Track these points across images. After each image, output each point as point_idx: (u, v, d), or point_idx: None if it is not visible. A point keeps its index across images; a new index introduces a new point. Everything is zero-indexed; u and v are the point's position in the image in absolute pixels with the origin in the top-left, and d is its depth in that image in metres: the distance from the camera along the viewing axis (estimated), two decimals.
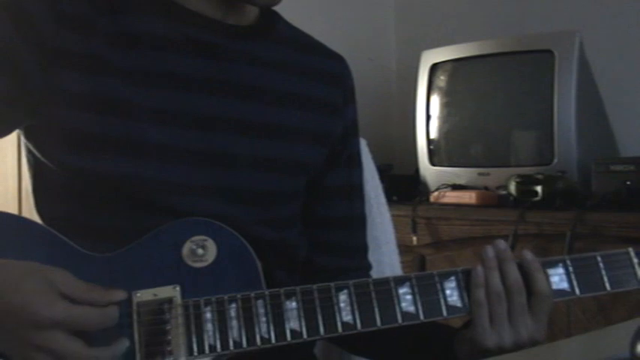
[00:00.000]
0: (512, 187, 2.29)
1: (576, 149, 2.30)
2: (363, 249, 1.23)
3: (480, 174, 2.50)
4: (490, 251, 0.99)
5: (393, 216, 1.49)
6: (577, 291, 1.00)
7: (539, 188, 2.22)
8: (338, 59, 1.21)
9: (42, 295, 0.87)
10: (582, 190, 2.23)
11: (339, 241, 1.19)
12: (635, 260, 1.02)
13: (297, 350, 1.08)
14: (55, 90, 0.99)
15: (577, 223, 2.01)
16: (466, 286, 0.99)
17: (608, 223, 2.01)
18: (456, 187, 2.52)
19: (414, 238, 2.41)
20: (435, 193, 2.54)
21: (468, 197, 2.43)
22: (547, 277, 0.99)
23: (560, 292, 1.00)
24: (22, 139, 1.06)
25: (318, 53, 1.19)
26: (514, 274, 0.98)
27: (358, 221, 1.23)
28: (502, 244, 1.00)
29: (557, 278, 1.00)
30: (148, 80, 1.02)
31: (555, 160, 2.32)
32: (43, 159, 1.03)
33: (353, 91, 1.21)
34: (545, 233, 2.14)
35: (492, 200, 2.41)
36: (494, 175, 2.45)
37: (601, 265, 1.01)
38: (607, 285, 1.01)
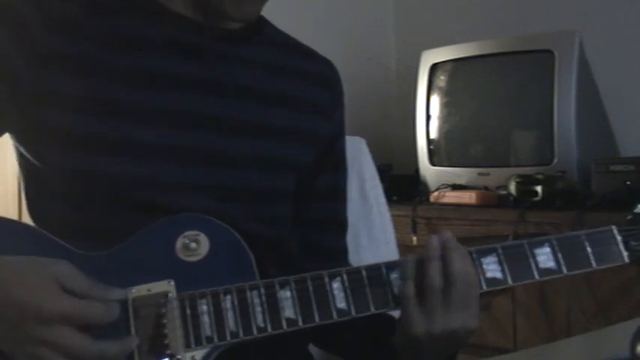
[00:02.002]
0: (512, 187, 2.29)
1: (576, 149, 2.30)
2: (344, 252, 1.24)
3: (480, 174, 2.50)
4: (435, 241, 0.98)
5: (393, 216, 1.49)
6: (564, 269, 1.01)
7: (539, 188, 2.23)
8: (327, 64, 1.21)
9: (46, 290, 0.87)
10: (582, 190, 2.23)
11: (324, 243, 1.19)
12: (619, 237, 1.03)
13: (292, 349, 1.09)
14: (46, 92, 0.99)
15: (577, 223, 2.01)
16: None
17: (608, 224, 2.00)
18: (456, 187, 2.52)
19: (414, 238, 2.41)
20: (435, 193, 2.54)
21: (468, 197, 2.43)
22: (476, 264, 1.00)
23: (548, 271, 1.01)
24: (13, 142, 1.06)
25: (307, 56, 1.20)
26: (457, 263, 0.97)
27: (341, 224, 1.24)
28: (448, 233, 0.99)
29: (544, 257, 1.01)
30: (138, 81, 1.02)
31: (555, 160, 2.32)
32: (34, 161, 1.04)
33: (342, 95, 1.21)
34: (545, 233, 2.13)
35: (492, 200, 2.41)
36: (494, 175, 2.45)
37: (586, 243, 1.02)
38: (593, 262, 1.02)
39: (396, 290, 0.97)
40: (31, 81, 0.99)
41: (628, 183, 2.12)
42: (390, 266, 0.99)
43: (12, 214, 2.40)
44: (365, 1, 3.22)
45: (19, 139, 1.05)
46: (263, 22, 1.16)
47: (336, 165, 1.21)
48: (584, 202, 2.13)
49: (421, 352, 0.99)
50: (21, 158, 1.06)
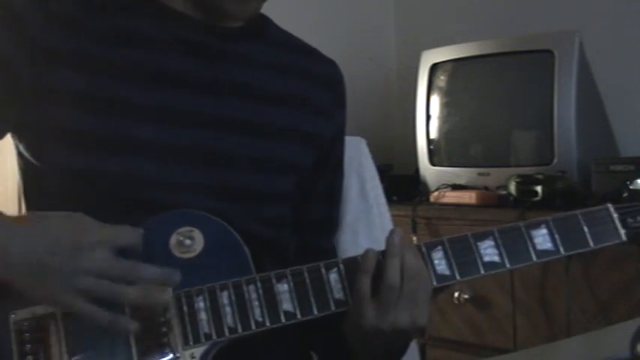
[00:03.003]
0: (512, 187, 2.29)
1: (576, 149, 2.30)
2: (334, 252, 1.24)
3: (479, 174, 2.50)
4: (396, 238, 0.98)
5: (393, 216, 1.48)
6: (561, 250, 1.01)
7: (539, 188, 2.22)
8: (331, 64, 1.20)
9: (82, 223, 0.91)
10: (582, 190, 2.23)
11: (313, 243, 1.19)
12: (615, 215, 1.02)
13: (293, 344, 1.08)
14: (45, 88, 0.99)
15: None
16: (454, 256, 0.99)
17: None
18: (456, 187, 2.52)
19: (414, 238, 2.41)
20: (435, 193, 2.54)
21: (468, 197, 2.43)
22: (431, 262, 0.99)
23: (545, 253, 1.00)
24: (14, 141, 1.06)
25: (310, 56, 1.19)
26: (412, 260, 0.97)
27: (334, 225, 1.24)
28: (400, 231, 0.99)
29: (541, 239, 1.01)
30: (138, 78, 1.02)
31: (555, 160, 2.32)
32: (33, 160, 1.03)
33: (344, 97, 1.21)
34: None
35: (492, 200, 2.41)
36: (494, 175, 2.45)
37: (582, 222, 1.01)
38: (590, 241, 1.01)
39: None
40: (31, 77, 0.99)
41: (628, 183, 2.12)
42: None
43: (12, 213, 2.39)
44: (365, 1, 3.22)
45: (19, 137, 1.05)
46: (266, 22, 1.16)
47: (336, 167, 1.21)
48: (584, 202, 2.13)
49: (369, 344, 0.99)
50: (20, 157, 1.06)
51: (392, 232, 0.99)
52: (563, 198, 2.19)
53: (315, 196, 1.18)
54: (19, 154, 1.06)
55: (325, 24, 3.00)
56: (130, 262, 0.90)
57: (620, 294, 2.02)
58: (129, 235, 0.91)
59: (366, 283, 0.96)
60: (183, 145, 1.03)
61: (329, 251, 1.22)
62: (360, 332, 0.98)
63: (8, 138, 1.07)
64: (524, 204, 2.22)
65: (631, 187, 1.06)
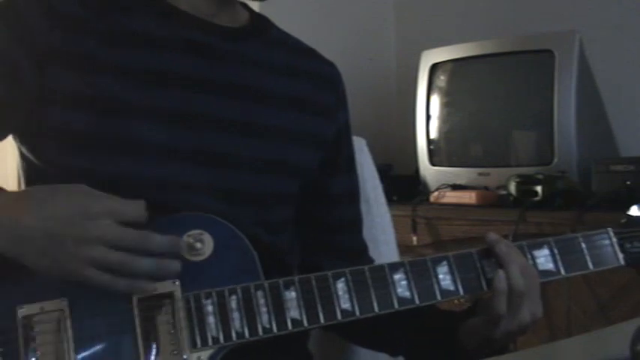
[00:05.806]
0: (512, 187, 2.28)
1: (576, 149, 2.30)
2: (366, 249, 1.26)
3: (480, 174, 2.50)
4: (504, 246, 1.00)
5: (393, 216, 1.48)
6: (562, 271, 1.03)
7: (539, 188, 2.22)
8: (330, 65, 1.22)
9: (86, 194, 0.91)
10: (582, 190, 2.23)
11: (348, 244, 1.21)
12: (615, 239, 1.05)
13: (292, 347, 1.09)
14: (49, 89, 0.99)
15: (577, 223, 2.01)
16: (458, 270, 1.01)
17: (608, 223, 2.00)
18: (456, 187, 2.52)
19: (414, 238, 2.41)
20: (435, 193, 2.54)
21: (468, 197, 2.43)
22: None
23: (547, 273, 1.03)
24: (16, 143, 1.06)
25: (310, 57, 1.20)
26: (523, 261, 1.01)
27: (360, 223, 1.25)
28: (496, 235, 1.02)
29: (543, 259, 1.03)
30: (141, 78, 1.02)
31: (555, 160, 2.32)
32: (37, 162, 1.03)
33: (345, 96, 1.22)
34: (545, 233, 2.13)
35: (492, 200, 2.41)
36: (494, 175, 2.45)
37: (583, 245, 1.04)
38: (590, 264, 1.04)
39: (399, 291, 0.98)
40: (34, 78, 0.99)
41: (628, 183, 2.12)
42: (393, 267, 0.99)
43: None
44: (365, 1, 3.22)
45: (23, 139, 1.05)
46: (267, 23, 1.16)
47: (349, 166, 1.22)
48: (584, 202, 2.13)
49: (491, 344, 1.03)
50: (22, 159, 1.06)
51: (495, 241, 1.01)
52: (563, 198, 2.19)
53: (336, 198, 1.19)
54: (22, 156, 1.06)
55: (325, 24, 3.00)
56: (139, 232, 0.90)
57: (620, 294, 2.02)
58: (134, 207, 0.91)
59: (503, 302, 0.98)
60: (185, 146, 1.03)
61: (362, 249, 1.24)
62: (487, 340, 1.01)
63: (9, 139, 1.07)
64: (524, 204, 2.22)
65: (628, 214, 1.09)
